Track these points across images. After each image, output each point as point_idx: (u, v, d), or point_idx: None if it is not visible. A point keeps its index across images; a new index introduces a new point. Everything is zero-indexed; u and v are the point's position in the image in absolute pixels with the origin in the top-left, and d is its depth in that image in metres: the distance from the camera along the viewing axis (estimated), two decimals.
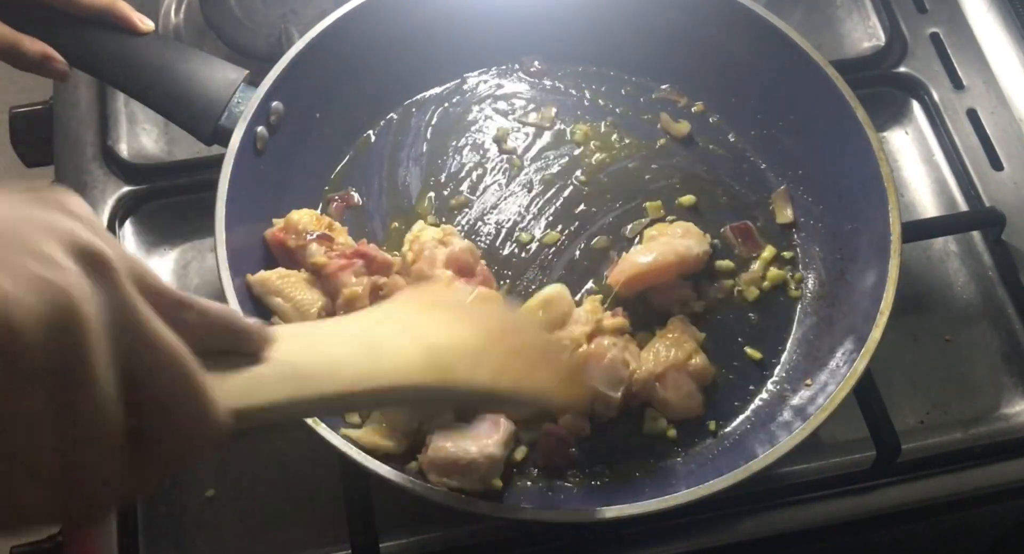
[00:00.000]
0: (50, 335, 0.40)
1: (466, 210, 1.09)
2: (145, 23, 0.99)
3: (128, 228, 1.12)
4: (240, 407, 0.53)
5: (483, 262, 1.01)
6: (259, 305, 0.95)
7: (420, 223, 1.05)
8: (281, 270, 0.97)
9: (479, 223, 1.08)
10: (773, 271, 1.04)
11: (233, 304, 0.89)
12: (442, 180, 1.10)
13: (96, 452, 0.42)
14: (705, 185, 1.10)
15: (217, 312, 0.52)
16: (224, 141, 0.97)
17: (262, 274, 0.95)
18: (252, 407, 0.55)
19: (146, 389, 0.44)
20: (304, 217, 0.99)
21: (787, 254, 1.05)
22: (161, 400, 0.44)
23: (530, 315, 0.96)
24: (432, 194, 1.09)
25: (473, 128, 1.14)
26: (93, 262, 0.43)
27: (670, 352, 0.95)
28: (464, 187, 1.10)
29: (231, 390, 0.53)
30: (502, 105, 1.15)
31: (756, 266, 1.05)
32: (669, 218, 1.07)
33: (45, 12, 0.96)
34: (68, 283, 0.40)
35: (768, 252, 1.05)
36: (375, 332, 0.69)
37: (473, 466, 0.87)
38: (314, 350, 0.62)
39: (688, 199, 1.08)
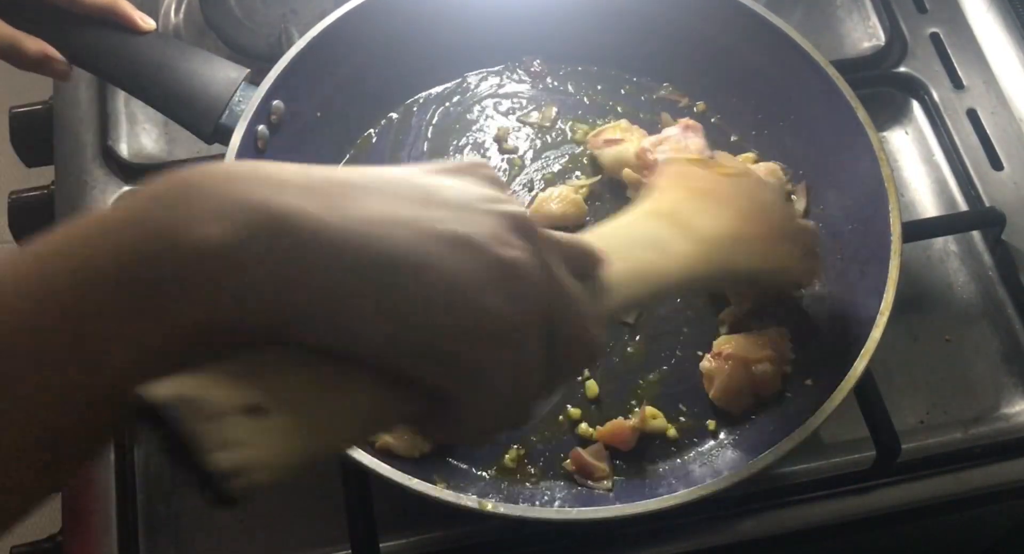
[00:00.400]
0: (530, 310, 0.53)
1: None
2: (147, 22, 0.99)
3: None
4: (606, 311, 0.66)
5: None
6: None
7: None
8: None
9: None
10: None
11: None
12: None
13: (542, 374, 0.55)
14: None
15: (568, 241, 0.61)
16: (225, 140, 0.97)
17: None
18: (611, 309, 0.68)
19: (559, 325, 0.55)
20: None
21: None
22: (570, 340, 0.56)
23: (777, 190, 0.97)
24: None
25: (474, 127, 1.14)
26: (527, 234, 0.54)
27: (750, 346, 0.96)
28: None
29: (595, 300, 0.63)
30: (503, 105, 1.15)
31: None
32: None
33: (46, 10, 0.96)
34: (527, 262, 0.53)
35: None
36: (655, 232, 0.77)
37: None
38: (622, 259, 0.69)
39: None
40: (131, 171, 1.15)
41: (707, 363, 0.98)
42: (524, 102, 1.15)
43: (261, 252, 0.46)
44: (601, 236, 0.73)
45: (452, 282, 0.50)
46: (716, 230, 0.81)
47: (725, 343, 0.98)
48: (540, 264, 0.54)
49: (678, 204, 0.82)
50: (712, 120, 1.13)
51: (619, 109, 1.15)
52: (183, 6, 1.27)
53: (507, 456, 0.95)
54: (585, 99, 1.16)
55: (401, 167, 0.55)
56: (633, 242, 0.75)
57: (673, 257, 0.76)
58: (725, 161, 0.92)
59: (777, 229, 0.87)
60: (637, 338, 1.01)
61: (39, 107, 1.21)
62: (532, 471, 0.94)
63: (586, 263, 0.63)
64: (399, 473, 0.84)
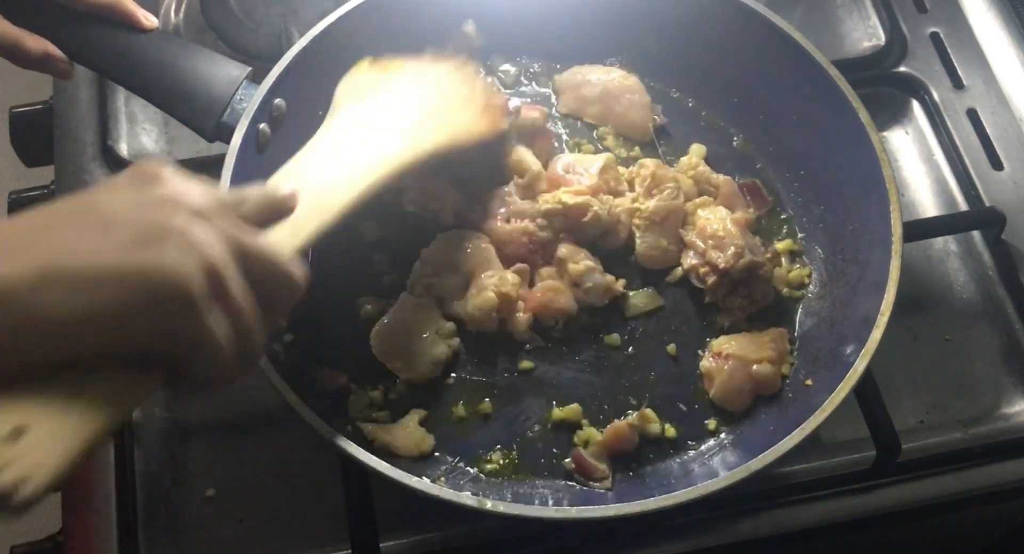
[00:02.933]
0: (207, 278, 0.63)
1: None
2: (149, 20, 0.99)
3: None
4: (299, 246, 0.77)
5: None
6: None
7: None
8: None
9: None
10: (795, 271, 1.04)
11: None
12: None
13: (249, 320, 0.67)
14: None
15: (256, 196, 0.74)
16: (226, 138, 0.97)
17: None
18: (305, 243, 0.78)
19: (259, 278, 0.68)
20: None
21: (795, 246, 1.06)
22: (266, 282, 0.69)
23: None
24: None
25: None
26: (204, 216, 0.65)
27: (750, 346, 0.97)
28: None
29: (288, 240, 0.76)
30: None
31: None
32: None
33: (48, 7, 0.96)
34: (201, 242, 0.64)
35: (784, 245, 1.05)
36: (354, 141, 0.90)
37: None
38: (320, 181, 0.84)
39: (697, 149, 1.10)
40: None
41: (707, 363, 0.98)
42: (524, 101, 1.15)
43: None
44: (287, 173, 0.85)
45: (123, 279, 0.61)
46: (397, 122, 0.94)
47: (725, 343, 0.98)
48: (205, 233, 0.64)
49: (356, 113, 0.94)
50: (712, 120, 1.13)
51: None
52: (183, 6, 1.27)
53: (505, 456, 0.95)
54: None
55: (80, 194, 0.67)
56: (319, 167, 0.86)
57: (359, 165, 0.88)
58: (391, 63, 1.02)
59: (454, 99, 1.01)
60: (636, 338, 1.01)
61: (39, 107, 1.21)
62: (532, 471, 0.94)
63: (270, 213, 0.75)
64: (399, 472, 0.84)
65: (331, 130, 0.92)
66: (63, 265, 0.61)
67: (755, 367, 0.96)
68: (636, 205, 1.04)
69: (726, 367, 0.96)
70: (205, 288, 0.63)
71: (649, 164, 1.05)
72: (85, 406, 0.61)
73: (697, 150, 1.10)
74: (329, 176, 0.86)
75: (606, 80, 1.12)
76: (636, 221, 1.04)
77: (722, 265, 0.98)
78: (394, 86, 0.99)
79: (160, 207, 0.65)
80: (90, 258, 0.62)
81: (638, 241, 1.03)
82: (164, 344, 0.64)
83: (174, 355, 0.65)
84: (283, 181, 0.83)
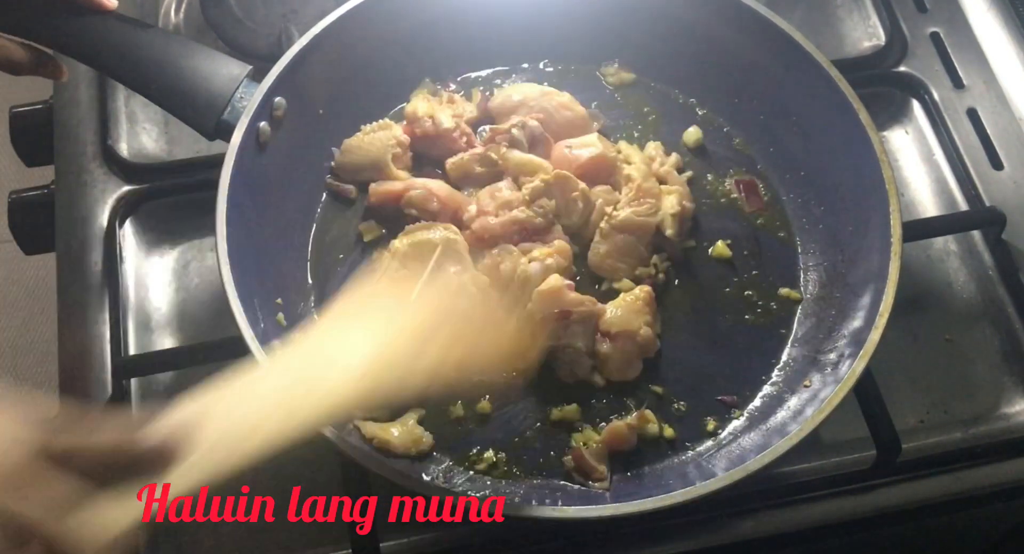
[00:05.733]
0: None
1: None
2: (109, 0, 0.97)
3: (128, 228, 1.12)
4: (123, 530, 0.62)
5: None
6: None
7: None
8: None
9: None
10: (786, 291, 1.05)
11: (233, 301, 0.89)
12: None
13: None
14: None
15: (106, 445, 0.61)
16: (226, 136, 0.97)
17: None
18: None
19: None
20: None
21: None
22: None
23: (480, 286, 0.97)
24: None
25: None
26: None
27: (628, 317, 0.97)
28: None
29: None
30: None
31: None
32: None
33: (28, 7, 0.95)
34: None
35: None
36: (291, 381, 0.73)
37: None
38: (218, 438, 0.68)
39: (694, 133, 1.11)
40: (131, 171, 1.15)
41: (604, 347, 0.98)
42: None
43: None
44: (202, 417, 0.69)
45: None
46: (376, 351, 0.76)
47: (609, 323, 0.97)
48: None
49: (339, 333, 0.79)
50: (712, 120, 1.13)
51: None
52: (183, 6, 1.27)
53: (503, 456, 0.95)
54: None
55: None
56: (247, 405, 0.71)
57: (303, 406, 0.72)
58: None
59: (471, 328, 0.84)
60: None
61: (39, 107, 1.21)
62: (530, 471, 0.94)
63: (136, 460, 0.62)
64: (397, 471, 0.84)
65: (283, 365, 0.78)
66: None
67: (639, 336, 0.97)
68: (609, 210, 1.03)
69: (617, 345, 0.97)
70: None
71: (637, 176, 1.04)
72: None
73: (694, 133, 1.12)
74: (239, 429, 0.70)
75: (541, 101, 1.09)
76: (602, 224, 1.03)
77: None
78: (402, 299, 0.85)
79: None
80: None
81: (593, 245, 1.03)
82: None
83: None
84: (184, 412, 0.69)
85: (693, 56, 1.13)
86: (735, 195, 1.09)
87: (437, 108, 1.09)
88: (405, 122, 1.09)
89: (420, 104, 1.09)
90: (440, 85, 1.14)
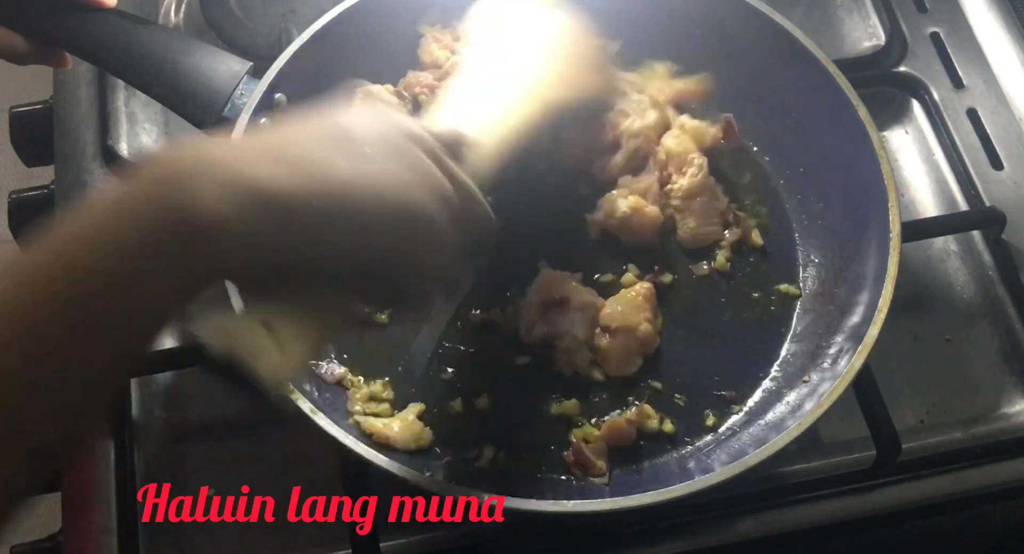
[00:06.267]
0: (441, 203, 0.70)
1: None
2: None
3: None
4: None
5: None
6: None
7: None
8: None
9: None
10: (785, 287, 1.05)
11: (234, 301, 0.89)
12: None
13: (461, 253, 0.74)
14: None
15: (447, 136, 0.76)
16: (227, 133, 0.97)
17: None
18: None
19: (467, 215, 0.74)
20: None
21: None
22: (472, 220, 0.75)
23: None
24: None
25: None
26: (432, 153, 0.72)
27: (628, 313, 0.98)
28: None
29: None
30: None
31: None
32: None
33: (28, 5, 0.95)
34: (443, 185, 0.71)
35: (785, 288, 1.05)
36: (497, 77, 0.92)
37: None
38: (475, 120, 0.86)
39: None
40: (131, 171, 1.14)
41: (603, 342, 0.98)
42: None
43: (258, 219, 0.61)
44: (442, 111, 0.87)
45: (385, 207, 0.67)
46: (531, 78, 0.94)
47: (610, 318, 0.98)
48: (438, 168, 0.71)
49: (497, 70, 0.94)
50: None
51: None
52: (183, 6, 1.27)
53: (503, 451, 0.95)
54: None
55: (321, 115, 0.71)
56: (470, 105, 0.88)
57: (510, 116, 0.89)
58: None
59: (573, 57, 0.99)
60: None
61: (39, 107, 1.21)
62: (529, 466, 0.94)
63: (463, 151, 0.78)
64: (397, 465, 0.84)
65: (472, 64, 0.94)
66: (336, 186, 0.65)
67: (639, 330, 0.97)
68: (668, 186, 1.05)
69: (617, 340, 0.97)
70: (447, 226, 0.70)
71: (674, 147, 1.06)
72: (317, 316, 0.69)
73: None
74: (481, 114, 0.87)
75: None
76: (673, 202, 1.05)
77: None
78: (523, 23, 0.99)
79: (405, 145, 0.70)
80: (363, 185, 0.66)
81: (679, 224, 1.05)
82: (398, 269, 0.70)
83: (394, 278, 0.70)
84: (440, 119, 0.85)
85: (692, 54, 1.13)
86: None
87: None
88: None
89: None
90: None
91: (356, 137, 0.69)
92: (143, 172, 0.63)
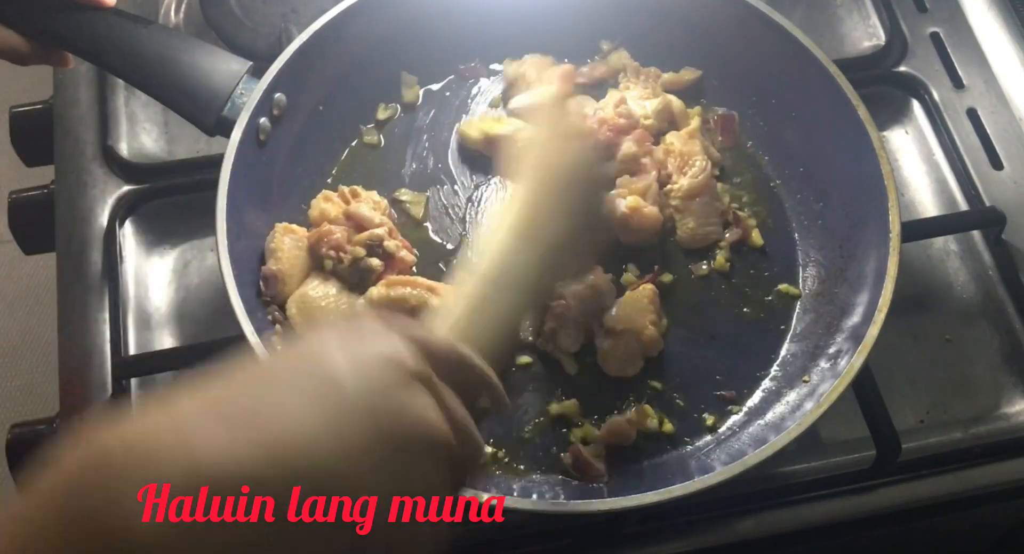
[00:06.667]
0: (455, 433, 0.62)
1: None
2: None
3: (128, 228, 1.12)
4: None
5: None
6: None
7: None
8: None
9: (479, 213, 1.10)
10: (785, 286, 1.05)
11: (234, 300, 0.89)
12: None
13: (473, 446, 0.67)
14: None
15: (444, 349, 0.67)
16: (226, 132, 0.97)
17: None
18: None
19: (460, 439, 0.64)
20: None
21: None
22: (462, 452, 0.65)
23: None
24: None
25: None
26: (429, 384, 0.62)
27: (634, 316, 0.98)
28: None
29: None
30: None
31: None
32: None
33: (28, 5, 0.95)
34: (429, 422, 0.60)
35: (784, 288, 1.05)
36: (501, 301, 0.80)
37: None
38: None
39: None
40: (131, 171, 1.15)
41: (606, 343, 0.98)
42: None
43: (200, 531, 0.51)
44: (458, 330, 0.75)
45: (372, 478, 0.58)
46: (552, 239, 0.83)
47: (615, 320, 0.98)
48: (435, 401, 0.62)
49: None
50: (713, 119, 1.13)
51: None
52: (183, 6, 1.27)
53: (502, 451, 0.95)
54: None
55: (296, 352, 0.63)
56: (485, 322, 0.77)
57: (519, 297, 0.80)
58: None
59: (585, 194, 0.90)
60: None
61: (39, 107, 1.21)
62: (529, 465, 0.94)
63: (466, 374, 0.69)
64: None
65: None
66: (301, 454, 0.55)
67: (643, 334, 0.97)
68: (669, 186, 1.05)
69: (621, 342, 0.97)
70: (444, 455, 0.61)
71: (676, 141, 1.06)
72: None
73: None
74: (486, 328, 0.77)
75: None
76: (673, 202, 1.05)
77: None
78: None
79: (383, 377, 0.59)
80: (333, 446, 0.56)
81: (679, 224, 1.05)
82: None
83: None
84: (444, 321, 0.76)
85: (692, 54, 1.13)
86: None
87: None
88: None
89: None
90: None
91: (329, 378, 0.58)
92: (55, 473, 0.51)
